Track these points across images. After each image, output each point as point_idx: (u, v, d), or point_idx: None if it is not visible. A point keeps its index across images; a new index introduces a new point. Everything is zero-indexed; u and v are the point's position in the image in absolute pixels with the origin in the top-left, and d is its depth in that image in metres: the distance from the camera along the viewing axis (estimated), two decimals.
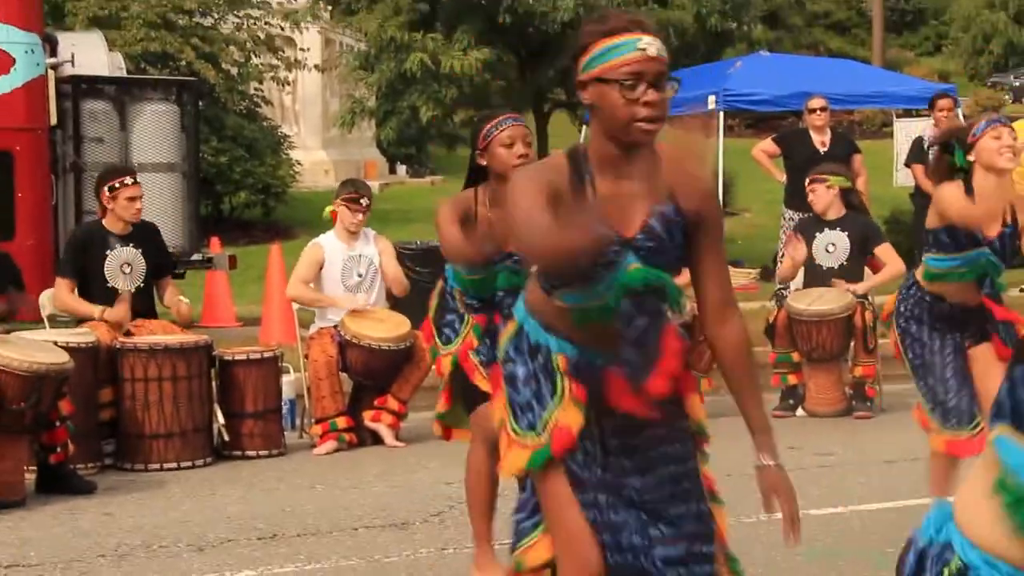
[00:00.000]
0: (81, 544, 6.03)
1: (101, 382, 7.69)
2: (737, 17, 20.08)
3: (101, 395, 7.71)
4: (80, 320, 8.05)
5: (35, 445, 6.99)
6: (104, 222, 8.06)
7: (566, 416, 3.24)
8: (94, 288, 7.95)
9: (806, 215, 9.65)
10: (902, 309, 5.61)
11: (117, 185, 7.96)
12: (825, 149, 11.49)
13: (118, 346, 7.74)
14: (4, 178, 11.07)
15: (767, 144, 12.26)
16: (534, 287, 3.33)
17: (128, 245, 8.03)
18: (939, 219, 5.39)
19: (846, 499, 6.66)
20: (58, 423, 6.93)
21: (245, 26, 21.86)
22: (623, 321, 3.21)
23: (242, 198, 20.81)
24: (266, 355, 8.22)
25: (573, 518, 3.23)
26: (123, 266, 8.01)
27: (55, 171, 11.48)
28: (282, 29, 22.57)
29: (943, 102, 12.75)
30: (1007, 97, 37.83)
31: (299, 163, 23.07)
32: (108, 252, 7.98)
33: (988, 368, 5.45)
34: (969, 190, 5.35)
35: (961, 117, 15.20)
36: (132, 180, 8.05)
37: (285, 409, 8.46)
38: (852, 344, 9.13)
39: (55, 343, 7.19)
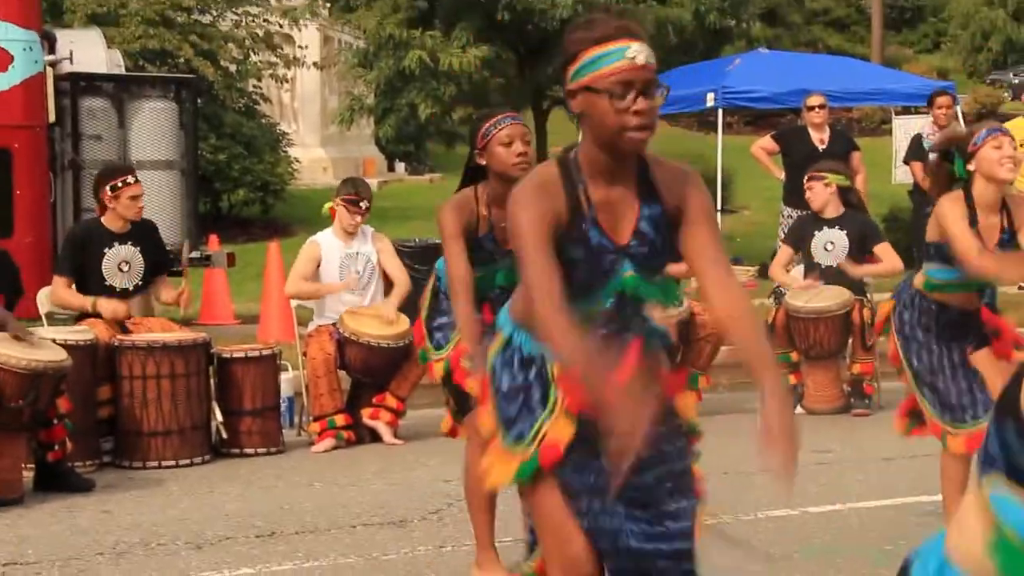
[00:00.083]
0: (79, 542, 6.03)
1: (99, 380, 7.68)
2: (736, 14, 20.08)
3: (99, 393, 7.71)
4: (78, 317, 8.04)
5: (33, 443, 6.98)
6: (102, 220, 8.06)
7: (556, 428, 3.24)
8: (91, 286, 7.95)
9: (805, 213, 9.65)
10: (906, 318, 5.57)
11: (120, 184, 7.96)
12: (824, 146, 11.50)
13: (116, 344, 7.74)
14: (2, 176, 11.07)
15: (766, 141, 12.26)
16: (524, 297, 3.30)
17: (126, 243, 8.03)
18: (940, 233, 5.36)
19: (844, 496, 6.66)
20: (56, 421, 6.93)
21: (244, 23, 21.85)
22: (601, 321, 3.21)
23: (240, 196, 20.80)
24: (264, 353, 8.22)
25: (563, 525, 3.23)
26: (121, 264, 8.01)
27: (53, 169, 11.48)
28: (281, 26, 22.56)
29: (942, 99, 12.75)
30: (1006, 94, 37.81)
31: (298, 160, 23.06)
32: (106, 250, 7.98)
33: (989, 370, 5.44)
34: (969, 199, 5.34)
35: (960, 114, 15.22)
36: (134, 179, 8.06)
37: (283, 407, 8.46)
38: (850, 341, 9.13)
39: (53, 341, 7.19)
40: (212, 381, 7.98)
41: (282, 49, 22.75)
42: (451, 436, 5.46)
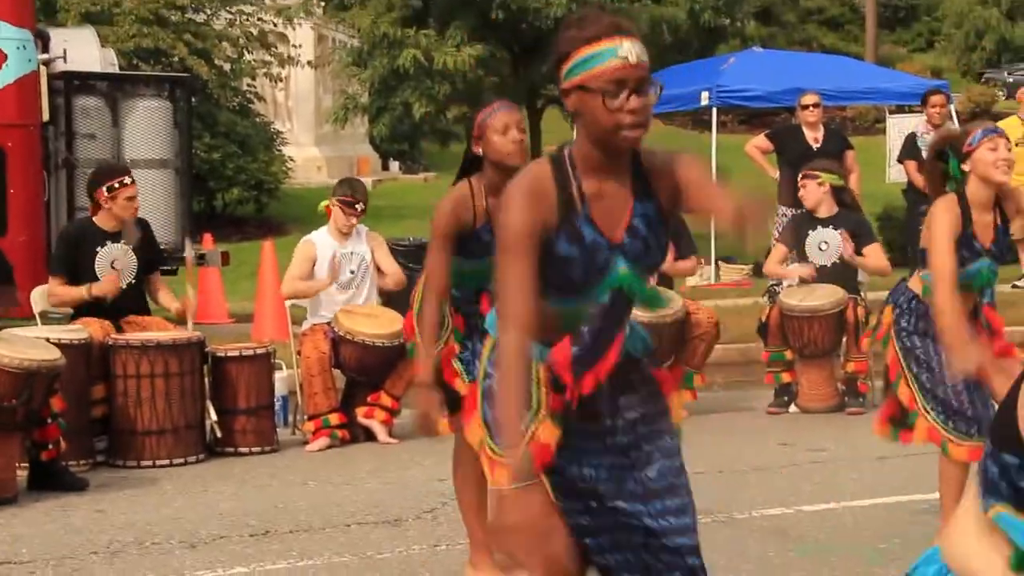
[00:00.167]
0: (73, 541, 6.03)
1: (93, 379, 7.67)
2: (730, 13, 20.13)
3: (93, 392, 7.70)
4: (73, 316, 8.04)
5: (27, 442, 6.98)
6: (95, 219, 8.06)
7: (544, 431, 3.24)
8: (85, 284, 7.93)
9: (799, 211, 9.65)
10: (904, 324, 5.56)
11: (116, 186, 7.95)
12: (818, 145, 11.50)
13: (110, 343, 7.73)
14: None
15: (760, 140, 12.26)
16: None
17: (119, 242, 8.02)
18: None
19: (838, 495, 6.66)
20: (50, 420, 6.92)
21: (238, 22, 21.85)
22: (596, 311, 3.21)
23: (235, 194, 20.80)
24: (259, 351, 8.21)
25: (551, 525, 3.23)
26: (114, 262, 8.00)
27: (47, 167, 11.47)
28: (275, 25, 22.58)
29: (936, 98, 12.76)
30: (1000, 93, 37.84)
31: (292, 159, 23.07)
32: (99, 249, 7.97)
33: (997, 377, 5.44)
34: (963, 200, 5.33)
35: (954, 113, 15.23)
36: (130, 180, 8.05)
37: (278, 406, 8.45)
38: (844, 340, 9.13)
39: (47, 340, 7.18)
40: (206, 380, 7.97)
41: (276, 48, 22.75)
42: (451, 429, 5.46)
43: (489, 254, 4.94)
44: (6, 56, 11.04)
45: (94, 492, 7.02)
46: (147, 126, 11.76)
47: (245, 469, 7.58)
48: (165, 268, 9.05)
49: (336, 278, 8.25)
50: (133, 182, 8.06)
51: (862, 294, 9.29)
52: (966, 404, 5.41)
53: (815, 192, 9.12)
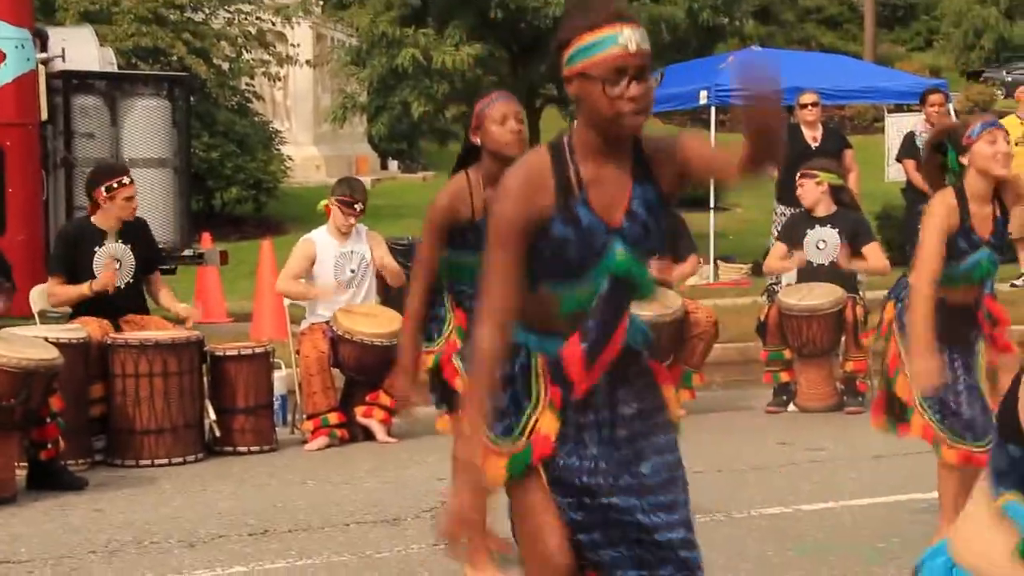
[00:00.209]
0: (72, 540, 6.02)
1: (92, 378, 7.67)
2: (729, 12, 20.11)
3: (92, 391, 7.69)
4: (71, 315, 8.03)
5: (25, 441, 6.97)
6: (94, 218, 8.05)
7: (544, 421, 3.24)
8: (82, 283, 7.93)
9: (797, 211, 9.65)
10: (906, 320, 5.55)
11: (115, 186, 7.95)
12: (816, 144, 11.50)
13: (109, 342, 7.73)
14: None
15: None
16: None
17: (117, 241, 8.02)
18: None
19: (837, 494, 6.66)
20: (48, 419, 6.92)
21: (236, 21, 21.85)
22: (599, 298, 3.21)
23: (233, 194, 20.79)
24: (257, 351, 8.21)
25: (542, 520, 3.23)
26: (113, 261, 7.98)
27: (46, 167, 11.46)
28: (273, 24, 22.57)
29: (934, 97, 12.77)
30: (999, 92, 37.85)
31: (290, 159, 23.05)
32: (97, 248, 7.97)
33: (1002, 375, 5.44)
34: (961, 194, 5.33)
35: (952, 112, 15.23)
36: (128, 179, 8.05)
37: (276, 405, 8.45)
38: (843, 339, 9.13)
39: (45, 339, 7.18)
40: (205, 379, 7.97)
41: (275, 47, 22.74)
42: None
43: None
44: (4, 55, 11.03)
45: (93, 491, 7.02)
46: (145, 125, 11.75)
47: (244, 468, 7.58)
48: (164, 268, 9.03)
49: (336, 294, 8.24)
50: (132, 182, 8.06)
51: (861, 293, 9.29)
52: (964, 406, 5.40)
53: (812, 191, 9.12)
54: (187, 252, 12.12)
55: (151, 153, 11.75)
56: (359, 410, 8.26)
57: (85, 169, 9.92)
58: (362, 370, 8.25)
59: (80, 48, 12.03)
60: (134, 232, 8.11)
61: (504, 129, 4.92)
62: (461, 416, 3.26)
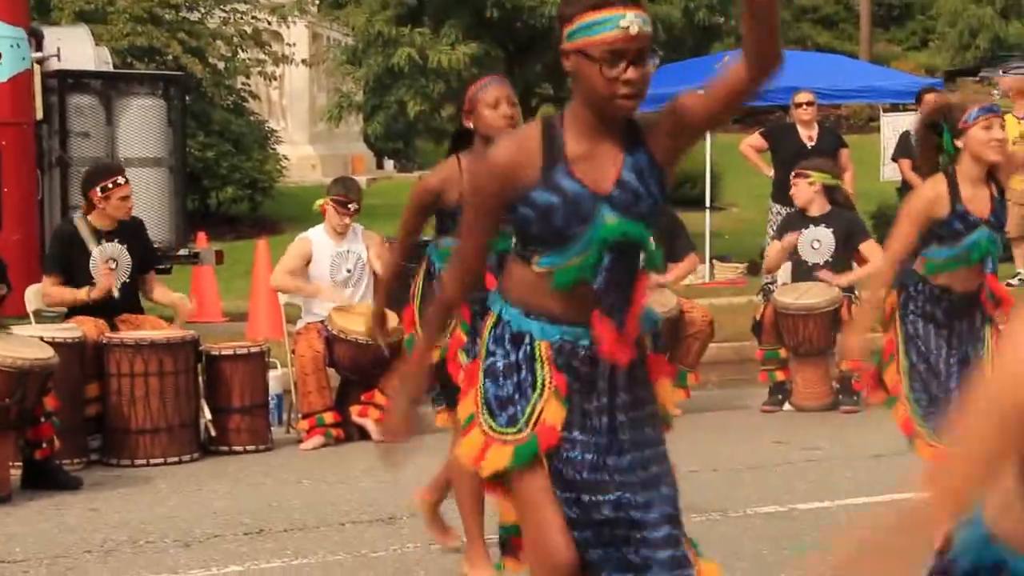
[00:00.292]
0: (67, 540, 6.02)
1: (87, 377, 7.67)
2: (725, 11, 20.11)
3: (87, 390, 7.69)
4: (67, 315, 8.03)
5: (20, 441, 6.97)
6: (89, 218, 8.04)
7: (550, 411, 3.22)
8: (79, 283, 7.93)
9: (793, 210, 9.65)
10: (912, 308, 5.54)
11: (111, 186, 7.95)
12: (812, 143, 11.51)
13: (104, 341, 7.72)
14: None
15: (754, 139, 12.27)
16: (508, 270, 3.34)
17: (113, 241, 8.02)
18: (927, 216, 5.36)
19: (833, 494, 6.66)
20: (43, 419, 6.91)
21: (232, 21, 21.83)
22: (604, 271, 3.20)
23: (229, 193, 20.77)
24: (253, 350, 8.21)
25: (546, 513, 3.22)
26: (108, 261, 7.99)
27: (41, 166, 11.44)
28: (269, 23, 22.54)
29: (930, 96, 12.76)
30: (995, 92, 37.84)
31: (286, 158, 23.04)
32: (93, 248, 7.95)
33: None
34: (953, 178, 5.32)
35: None
36: (124, 179, 8.05)
37: (272, 404, 8.45)
38: (839, 338, 9.12)
39: (41, 338, 7.17)
40: (200, 378, 7.97)
41: (270, 46, 22.72)
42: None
43: None
44: (0, 54, 11.02)
45: (88, 491, 7.02)
46: (141, 124, 11.74)
47: (239, 468, 7.58)
48: (160, 268, 9.03)
49: (334, 299, 8.23)
50: (127, 182, 8.06)
51: (857, 292, 9.29)
52: (953, 407, 5.38)
53: (805, 191, 9.12)
54: (183, 252, 12.10)
55: (146, 152, 11.74)
56: (354, 409, 8.26)
57: (80, 168, 9.91)
58: (357, 369, 8.24)
59: (75, 47, 12.02)
60: (130, 232, 8.11)
61: (497, 113, 4.92)
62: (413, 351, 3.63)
